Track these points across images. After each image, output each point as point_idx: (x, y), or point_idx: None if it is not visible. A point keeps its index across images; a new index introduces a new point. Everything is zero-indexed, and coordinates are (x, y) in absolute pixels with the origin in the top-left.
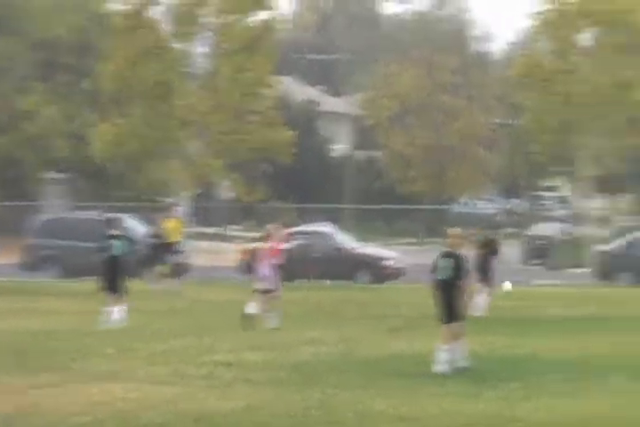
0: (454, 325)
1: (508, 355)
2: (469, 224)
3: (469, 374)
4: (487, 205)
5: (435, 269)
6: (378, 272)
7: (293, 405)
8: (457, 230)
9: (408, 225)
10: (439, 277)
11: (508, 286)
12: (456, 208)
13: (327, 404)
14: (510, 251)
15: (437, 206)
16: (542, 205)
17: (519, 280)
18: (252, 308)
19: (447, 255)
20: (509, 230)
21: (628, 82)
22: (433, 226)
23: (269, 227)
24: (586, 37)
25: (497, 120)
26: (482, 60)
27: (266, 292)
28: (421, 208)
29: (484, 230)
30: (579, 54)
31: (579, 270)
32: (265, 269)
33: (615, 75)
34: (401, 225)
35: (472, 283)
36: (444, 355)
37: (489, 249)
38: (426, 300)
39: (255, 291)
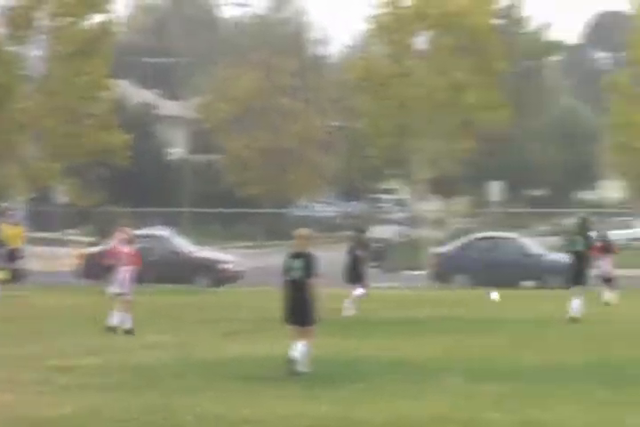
0: (300, 326)
1: (348, 357)
2: (308, 227)
3: (310, 377)
4: (326, 208)
5: (285, 269)
6: (216, 276)
7: (131, 409)
8: (304, 231)
9: (246, 228)
10: (289, 278)
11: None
12: (295, 211)
13: (166, 408)
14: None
15: (276, 210)
16: (380, 207)
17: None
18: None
19: (297, 255)
20: (347, 233)
21: (462, 85)
22: (272, 229)
23: (120, 230)
24: (421, 41)
25: (334, 123)
26: (319, 63)
27: (119, 295)
28: (260, 212)
29: (358, 233)
30: (414, 58)
31: (415, 273)
32: (120, 272)
33: (449, 78)
34: (239, 228)
35: (323, 283)
36: (303, 354)
37: (361, 250)
38: (265, 303)
39: (111, 295)
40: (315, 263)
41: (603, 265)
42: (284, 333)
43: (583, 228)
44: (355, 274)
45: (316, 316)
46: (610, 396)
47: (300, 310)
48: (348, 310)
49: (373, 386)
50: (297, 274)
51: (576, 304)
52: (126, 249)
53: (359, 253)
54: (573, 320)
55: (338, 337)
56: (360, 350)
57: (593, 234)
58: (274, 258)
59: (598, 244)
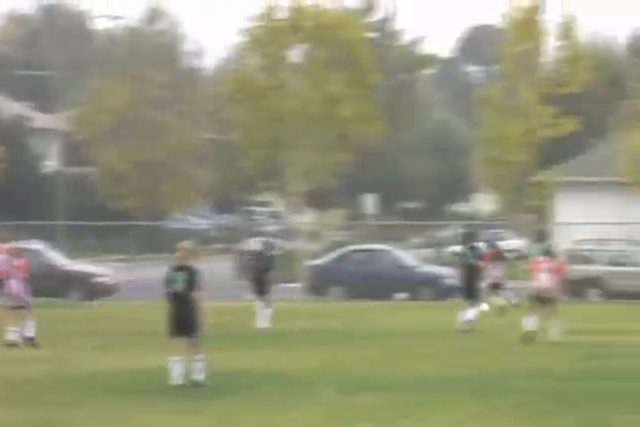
0: (187, 338)
1: (223, 370)
2: (183, 240)
3: (185, 390)
4: (201, 221)
5: (167, 282)
6: (89, 289)
7: (10, 425)
8: (187, 243)
9: (121, 241)
10: (172, 291)
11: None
12: (170, 224)
13: (37, 423)
14: (222, 266)
15: (151, 223)
16: (254, 220)
17: (231, 296)
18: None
19: (180, 268)
20: (222, 246)
21: (336, 98)
22: (146, 242)
23: (7, 244)
24: (295, 53)
25: (209, 135)
26: (194, 75)
27: (16, 308)
28: (134, 224)
29: (267, 245)
30: (288, 70)
31: (291, 285)
32: (14, 285)
33: (324, 91)
34: (113, 242)
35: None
36: (177, 367)
37: (266, 263)
38: (139, 316)
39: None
40: (197, 277)
41: (494, 272)
42: (158, 346)
43: (470, 240)
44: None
45: (201, 327)
46: (481, 408)
47: (185, 322)
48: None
49: (248, 398)
50: (180, 287)
51: (469, 315)
52: (16, 262)
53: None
54: (465, 332)
55: (214, 350)
56: (235, 362)
57: (482, 244)
58: (148, 271)
59: (489, 252)
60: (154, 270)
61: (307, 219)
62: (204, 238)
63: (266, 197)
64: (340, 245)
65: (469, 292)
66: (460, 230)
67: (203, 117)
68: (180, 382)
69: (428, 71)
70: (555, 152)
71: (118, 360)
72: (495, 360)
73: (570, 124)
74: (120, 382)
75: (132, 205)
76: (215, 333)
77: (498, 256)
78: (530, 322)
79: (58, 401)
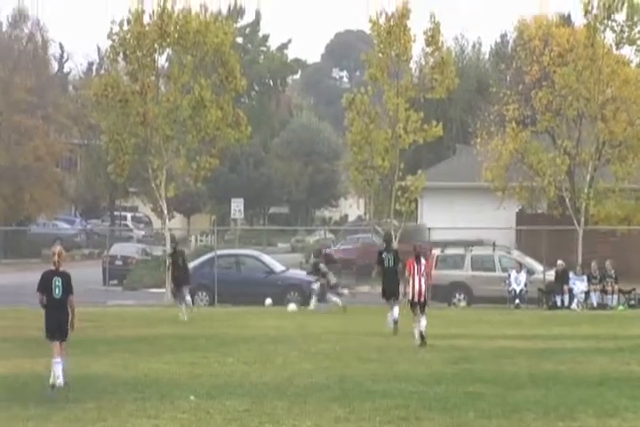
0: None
1: (80, 375)
2: (47, 245)
3: (36, 397)
4: (67, 226)
5: (45, 287)
6: None
7: None
8: (59, 248)
9: None
10: (52, 296)
11: (292, 307)
12: (35, 229)
13: None
14: (90, 271)
15: (16, 227)
16: (123, 225)
17: (97, 301)
18: None
19: (56, 273)
20: (89, 251)
21: (203, 102)
22: (11, 247)
23: None
24: (162, 58)
25: (75, 140)
26: (59, 79)
27: None
28: None
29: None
30: (156, 75)
31: (156, 290)
32: None
33: (191, 95)
34: None
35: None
36: (58, 368)
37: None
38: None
39: None
40: (71, 281)
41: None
42: (13, 353)
43: (389, 243)
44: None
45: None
46: (345, 412)
47: (62, 326)
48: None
49: (107, 405)
50: (59, 292)
51: (393, 317)
52: None
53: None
54: (395, 332)
55: (74, 356)
56: (94, 368)
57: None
58: (12, 276)
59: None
60: (18, 275)
61: (174, 224)
62: (70, 243)
63: (134, 202)
64: (207, 249)
65: (391, 293)
66: (385, 234)
67: (69, 122)
68: (57, 382)
69: (295, 76)
70: (421, 157)
71: None
72: (355, 364)
73: (436, 130)
74: None
75: None
76: (75, 338)
77: (330, 260)
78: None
79: None
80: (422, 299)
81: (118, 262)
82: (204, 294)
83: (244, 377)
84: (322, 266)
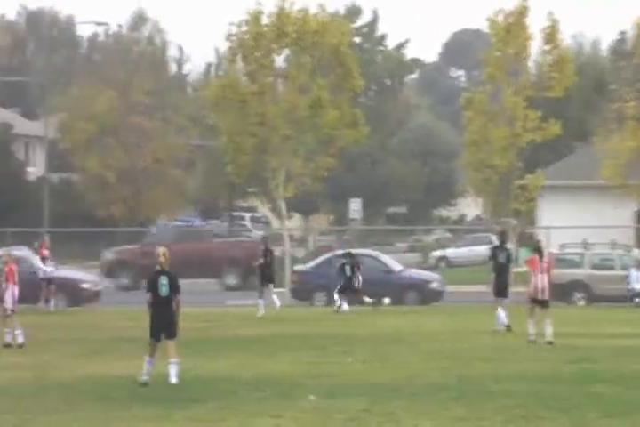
0: (168, 341)
1: (201, 375)
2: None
3: (166, 397)
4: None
5: (151, 286)
6: (76, 295)
7: None
8: (163, 249)
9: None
10: (158, 295)
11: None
12: (154, 230)
13: None
14: None
15: (138, 228)
16: (241, 225)
17: (215, 301)
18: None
19: (162, 273)
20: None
21: (322, 102)
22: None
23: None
24: (280, 59)
25: (193, 141)
26: (178, 81)
27: (12, 312)
28: (119, 231)
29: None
30: (273, 76)
31: (276, 290)
32: (11, 290)
33: (309, 96)
34: (98, 248)
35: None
36: (147, 366)
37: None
38: (123, 322)
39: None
40: (178, 280)
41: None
42: (140, 352)
43: (503, 240)
44: None
45: (178, 330)
46: (466, 412)
47: (167, 326)
48: None
49: (231, 405)
50: (164, 291)
51: (502, 316)
52: (14, 267)
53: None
54: (495, 332)
55: (194, 356)
56: (214, 367)
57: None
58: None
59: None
60: None
61: (293, 224)
62: None
63: (252, 202)
64: (326, 249)
65: (502, 291)
66: (500, 231)
67: (187, 123)
68: (146, 379)
69: (413, 76)
70: (539, 156)
71: (101, 367)
72: (474, 364)
73: (554, 128)
74: (102, 388)
75: (117, 211)
76: (194, 337)
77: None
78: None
79: (39, 408)
80: (545, 297)
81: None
82: (323, 294)
83: (363, 377)
84: (347, 268)
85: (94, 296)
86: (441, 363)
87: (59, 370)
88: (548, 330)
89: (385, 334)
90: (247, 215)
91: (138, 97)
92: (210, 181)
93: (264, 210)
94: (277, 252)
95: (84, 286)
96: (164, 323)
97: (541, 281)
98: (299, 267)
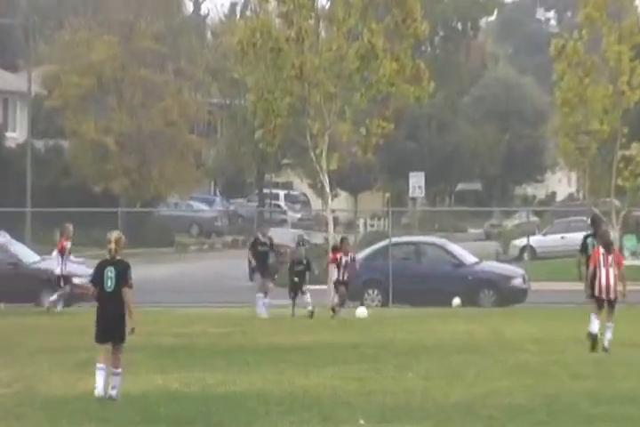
0: (113, 345)
1: (227, 392)
2: (181, 230)
3: (178, 419)
4: (205, 207)
5: (96, 278)
6: (68, 292)
7: None
8: (117, 233)
9: (104, 233)
10: (107, 289)
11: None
12: (164, 211)
13: None
14: (233, 263)
15: (142, 209)
16: (274, 205)
17: (243, 301)
18: None
19: (110, 263)
20: (232, 238)
21: (375, 52)
22: (136, 233)
23: None
24: None
25: (214, 100)
26: (195, 24)
27: None
28: (121, 211)
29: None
30: (315, 17)
31: (317, 287)
32: None
33: (359, 43)
34: (95, 233)
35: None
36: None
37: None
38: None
39: None
40: (129, 271)
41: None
42: (145, 363)
43: (598, 227)
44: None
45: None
46: None
47: (116, 326)
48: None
49: None
50: (110, 284)
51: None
52: None
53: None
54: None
55: (217, 369)
56: (242, 383)
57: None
58: (138, 269)
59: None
60: (144, 268)
61: (339, 205)
62: (209, 228)
63: (288, 177)
64: (380, 236)
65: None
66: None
67: (206, 77)
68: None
69: (490, 18)
70: None
71: (93, 381)
72: (567, 381)
73: None
74: (99, 407)
75: (118, 186)
76: (218, 345)
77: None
78: (594, 327)
79: None
80: (612, 295)
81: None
82: (376, 291)
83: (427, 396)
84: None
85: (90, 293)
86: (525, 379)
87: (46, 385)
88: (608, 335)
89: (454, 342)
90: (281, 193)
91: (144, 44)
92: (234, 149)
93: (303, 187)
94: (320, 239)
95: (78, 280)
96: (108, 323)
97: (606, 277)
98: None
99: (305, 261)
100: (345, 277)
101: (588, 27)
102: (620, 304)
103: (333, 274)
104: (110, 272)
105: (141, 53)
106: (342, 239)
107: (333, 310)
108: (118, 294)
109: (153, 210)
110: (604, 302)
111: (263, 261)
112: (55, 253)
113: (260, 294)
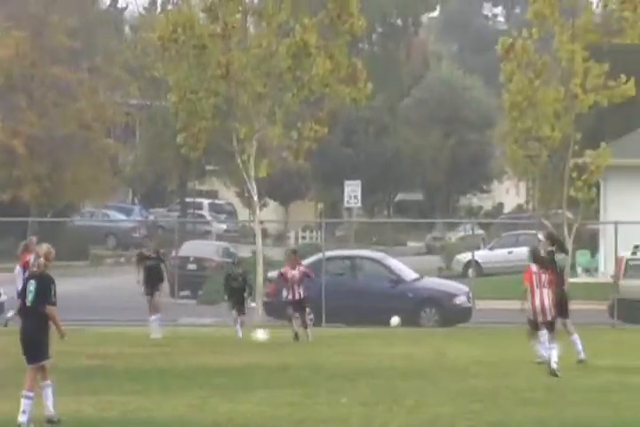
0: (35, 364)
1: (149, 419)
2: (96, 242)
3: None
4: (122, 217)
5: (20, 293)
6: None
7: None
8: (45, 246)
9: (10, 244)
10: (27, 304)
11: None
12: (78, 221)
13: None
14: None
15: (53, 219)
16: (197, 216)
17: (165, 319)
18: None
19: (33, 276)
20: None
21: (309, 50)
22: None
23: None
24: None
25: (133, 101)
26: (112, 18)
27: None
28: (28, 221)
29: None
30: (243, 11)
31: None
32: None
33: (291, 40)
34: (3, 243)
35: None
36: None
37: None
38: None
39: None
40: (53, 286)
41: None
42: (62, 385)
43: (552, 245)
44: None
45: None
46: None
47: (35, 345)
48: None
49: None
50: (30, 298)
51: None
52: None
53: None
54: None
55: (140, 392)
56: (162, 409)
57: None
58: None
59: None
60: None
61: (267, 215)
62: (126, 240)
63: (212, 185)
64: (312, 250)
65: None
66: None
67: (124, 76)
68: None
69: (432, 14)
70: (605, 125)
71: (3, 406)
72: (513, 408)
73: (625, 88)
74: None
75: (28, 194)
76: (141, 368)
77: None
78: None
79: None
80: (549, 317)
81: (191, 267)
82: (307, 309)
83: (364, 424)
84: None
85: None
86: (470, 406)
87: None
88: (553, 357)
89: (393, 365)
90: (205, 202)
91: (56, 39)
92: (154, 154)
93: (229, 195)
94: (247, 252)
95: None
96: (26, 340)
97: (540, 298)
98: (275, 273)
99: (241, 278)
100: (300, 296)
101: (538, 24)
102: (575, 324)
103: (283, 295)
104: (32, 286)
105: (53, 50)
106: (291, 251)
107: (296, 336)
108: (37, 310)
109: (66, 220)
110: (540, 325)
111: (149, 276)
112: (19, 268)
113: (153, 317)
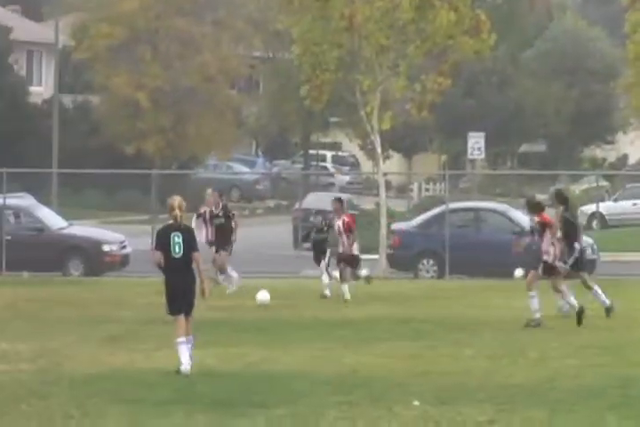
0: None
1: (269, 371)
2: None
3: (213, 399)
4: (245, 169)
5: (163, 245)
6: (95, 261)
7: None
8: (179, 200)
9: (136, 196)
10: (174, 256)
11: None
12: (202, 173)
13: None
14: (276, 230)
15: (177, 171)
16: (321, 168)
17: (288, 271)
18: None
19: (177, 228)
20: (274, 203)
21: (431, 1)
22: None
23: None
24: None
25: (257, 53)
26: None
27: None
28: (154, 173)
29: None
30: None
31: (369, 256)
32: None
33: None
34: (126, 196)
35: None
36: (182, 351)
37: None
38: (156, 297)
39: None
40: (195, 237)
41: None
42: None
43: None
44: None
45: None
46: (628, 426)
47: (187, 295)
48: None
49: (303, 411)
50: (178, 250)
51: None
52: None
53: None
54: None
55: (261, 345)
56: (286, 361)
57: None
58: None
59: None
60: None
61: (391, 167)
62: (250, 193)
63: (335, 137)
64: (435, 202)
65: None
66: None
67: (248, 29)
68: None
69: None
70: None
71: (127, 357)
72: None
73: None
74: (128, 386)
75: (152, 147)
76: (261, 320)
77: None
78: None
79: (45, 412)
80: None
81: (316, 219)
82: (431, 262)
83: (487, 376)
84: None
85: (120, 262)
86: (596, 359)
87: (70, 361)
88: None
89: (518, 318)
90: (329, 154)
91: None
92: (278, 107)
93: (352, 148)
94: (370, 204)
95: (107, 248)
96: (180, 292)
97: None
98: (398, 225)
99: (326, 229)
100: (343, 247)
101: None
102: None
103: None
104: (177, 237)
105: (177, 2)
106: (336, 200)
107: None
108: (186, 261)
109: (190, 172)
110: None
111: (217, 235)
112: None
113: (221, 276)
